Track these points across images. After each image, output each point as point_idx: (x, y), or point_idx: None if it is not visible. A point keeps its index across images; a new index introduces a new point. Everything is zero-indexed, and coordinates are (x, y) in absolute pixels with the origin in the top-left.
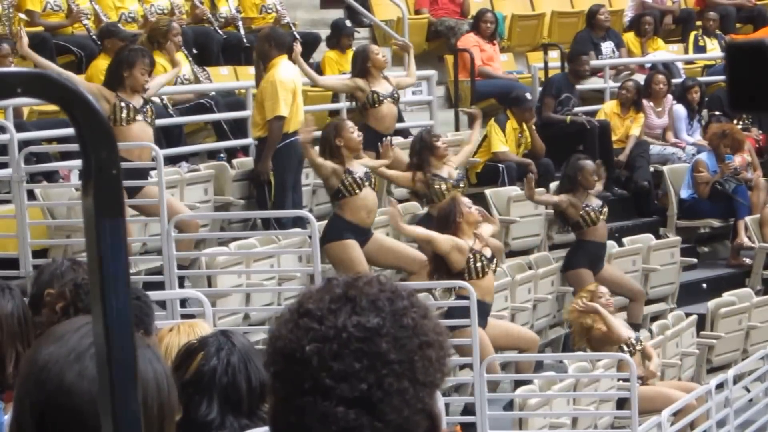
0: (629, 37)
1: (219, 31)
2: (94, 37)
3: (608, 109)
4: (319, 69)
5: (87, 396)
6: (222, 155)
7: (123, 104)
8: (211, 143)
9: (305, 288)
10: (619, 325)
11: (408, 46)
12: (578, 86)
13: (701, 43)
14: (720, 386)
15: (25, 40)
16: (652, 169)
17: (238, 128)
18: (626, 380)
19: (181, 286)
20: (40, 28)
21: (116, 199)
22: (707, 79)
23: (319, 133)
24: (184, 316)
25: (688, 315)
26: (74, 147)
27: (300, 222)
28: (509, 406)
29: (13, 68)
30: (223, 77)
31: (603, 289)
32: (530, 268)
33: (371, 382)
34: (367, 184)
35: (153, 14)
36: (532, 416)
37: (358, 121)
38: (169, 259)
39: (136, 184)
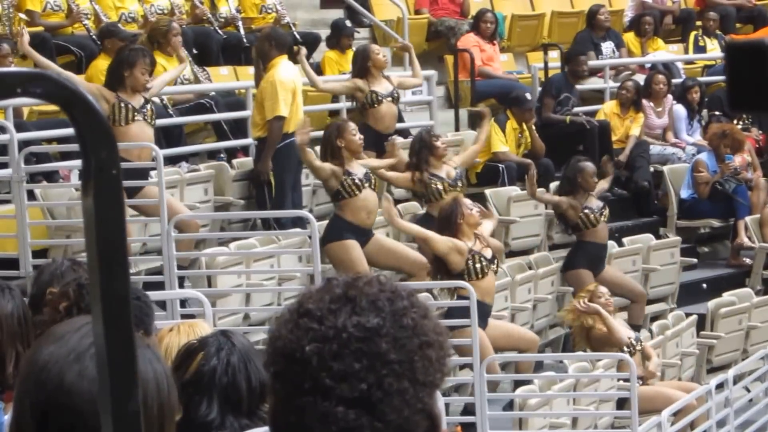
0: (629, 37)
1: (219, 31)
2: (94, 37)
3: (608, 109)
4: (319, 69)
5: (87, 396)
6: (222, 155)
7: (122, 104)
8: (211, 143)
9: (305, 288)
10: (620, 326)
11: (408, 47)
12: (578, 86)
13: (701, 43)
14: (720, 386)
15: (26, 38)
16: (652, 169)
17: (238, 128)
18: (626, 380)
19: (181, 286)
20: (40, 28)
21: (116, 199)
22: (707, 79)
23: (317, 134)
24: (184, 316)
25: (688, 315)
26: (74, 147)
27: (300, 222)
28: (509, 406)
29: (13, 68)
30: (223, 77)
31: (603, 289)
32: (530, 268)
33: (371, 382)
34: (366, 185)
35: (153, 14)
36: (532, 416)
37: (358, 120)
38: (169, 259)
39: (136, 184)
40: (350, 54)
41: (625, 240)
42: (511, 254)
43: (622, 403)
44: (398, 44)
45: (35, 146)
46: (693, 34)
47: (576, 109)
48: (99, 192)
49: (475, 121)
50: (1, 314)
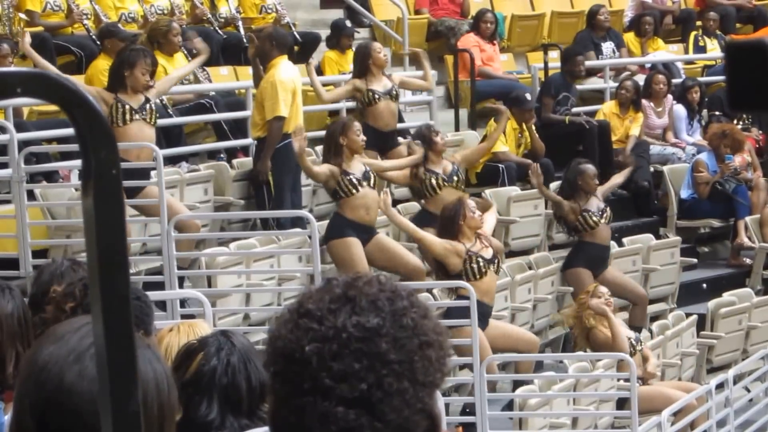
0: (629, 37)
1: (219, 31)
2: (94, 37)
3: (607, 109)
4: (319, 69)
5: (87, 396)
6: (222, 155)
7: (119, 105)
8: (211, 143)
9: (305, 288)
10: (623, 333)
11: (418, 54)
12: (579, 86)
13: (701, 43)
14: (720, 386)
15: (28, 39)
16: (652, 169)
17: (238, 128)
18: (626, 380)
19: (181, 286)
20: (40, 28)
21: (116, 199)
22: (707, 79)
23: (317, 134)
24: (184, 316)
25: (688, 315)
26: (74, 147)
27: (299, 222)
28: (509, 406)
29: (13, 68)
30: (223, 77)
31: (602, 289)
32: (530, 268)
33: (371, 382)
34: (365, 183)
35: (153, 14)
36: (532, 416)
37: (359, 120)
38: (169, 259)
39: (136, 185)
40: (350, 54)
41: (625, 240)
42: (511, 254)
43: (622, 403)
44: (411, 51)
45: (35, 146)
46: (693, 34)
47: (576, 109)
48: (99, 192)
49: (475, 122)
50: (1, 314)
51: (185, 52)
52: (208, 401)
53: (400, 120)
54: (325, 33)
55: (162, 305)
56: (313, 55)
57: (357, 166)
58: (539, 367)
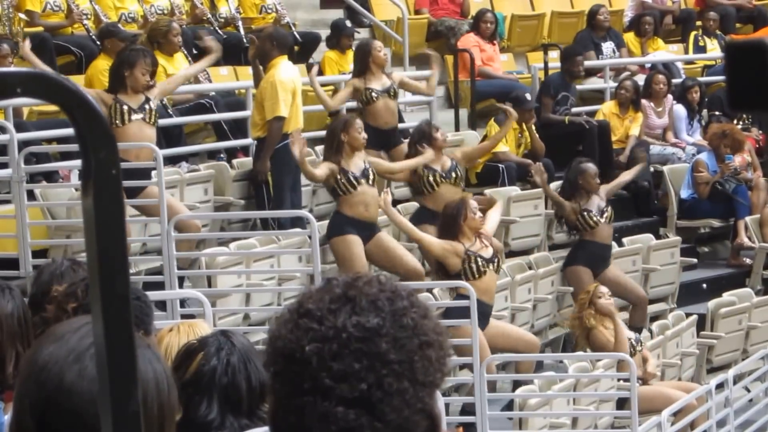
0: (629, 37)
1: (219, 31)
2: (94, 37)
3: (606, 109)
4: (319, 69)
5: (87, 396)
6: (222, 155)
7: (118, 105)
8: (211, 143)
9: (305, 288)
10: (625, 336)
11: (432, 58)
12: (579, 86)
13: (701, 43)
14: (720, 386)
15: (27, 44)
16: (652, 169)
17: (238, 128)
18: (626, 380)
19: (181, 286)
20: (39, 29)
21: (116, 199)
22: (707, 79)
23: (318, 133)
24: (184, 316)
25: (688, 315)
26: (74, 147)
27: (299, 222)
28: (509, 406)
29: (13, 68)
30: (223, 77)
31: (603, 289)
32: (530, 268)
33: (371, 382)
34: (363, 181)
35: (153, 14)
36: (532, 416)
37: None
38: (169, 259)
39: (136, 185)
40: (350, 54)
41: (625, 240)
42: (511, 254)
43: (622, 403)
44: (425, 53)
45: (35, 146)
46: (693, 34)
47: (576, 109)
48: (99, 192)
49: (475, 122)
50: (1, 314)
51: (185, 52)
52: (208, 401)
53: (401, 119)
54: (325, 33)
55: (162, 305)
56: (313, 58)
57: (356, 163)
58: (539, 367)
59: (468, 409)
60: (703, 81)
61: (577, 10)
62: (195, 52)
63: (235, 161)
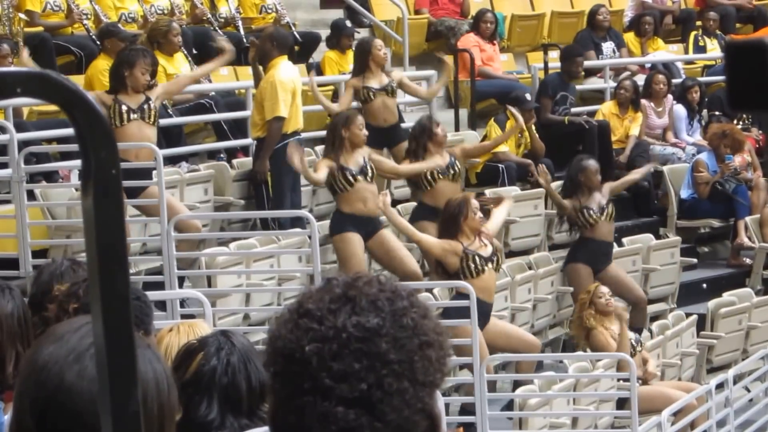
0: (629, 37)
1: (219, 31)
2: (93, 37)
3: (606, 109)
4: (319, 69)
5: (87, 396)
6: (222, 155)
7: (118, 105)
8: (211, 143)
9: (305, 288)
10: (628, 341)
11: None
12: (579, 86)
13: (701, 43)
14: (720, 386)
15: (26, 53)
16: (652, 169)
17: (238, 128)
18: (626, 380)
19: (181, 286)
20: (39, 28)
21: (116, 199)
22: (707, 79)
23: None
24: (184, 316)
25: (688, 315)
26: (74, 147)
27: (299, 222)
28: (509, 406)
29: (13, 68)
30: (223, 77)
31: (603, 289)
32: (530, 268)
33: (371, 382)
34: (360, 177)
35: (153, 14)
36: (532, 416)
37: None
38: (169, 259)
39: (135, 185)
40: (350, 54)
41: (625, 240)
42: (511, 254)
43: (622, 403)
44: (442, 58)
45: (35, 146)
46: (693, 34)
47: (576, 109)
48: (99, 192)
49: (475, 122)
50: (1, 314)
51: (185, 52)
52: (208, 401)
53: (401, 119)
54: (325, 33)
55: (162, 305)
56: (312, 58)
57: (355, 159)
58: (539, 367)
59: (468, 409)
60: (703, 81)
61: (577, 10)
62: (195, 52)
63: (235, 161)
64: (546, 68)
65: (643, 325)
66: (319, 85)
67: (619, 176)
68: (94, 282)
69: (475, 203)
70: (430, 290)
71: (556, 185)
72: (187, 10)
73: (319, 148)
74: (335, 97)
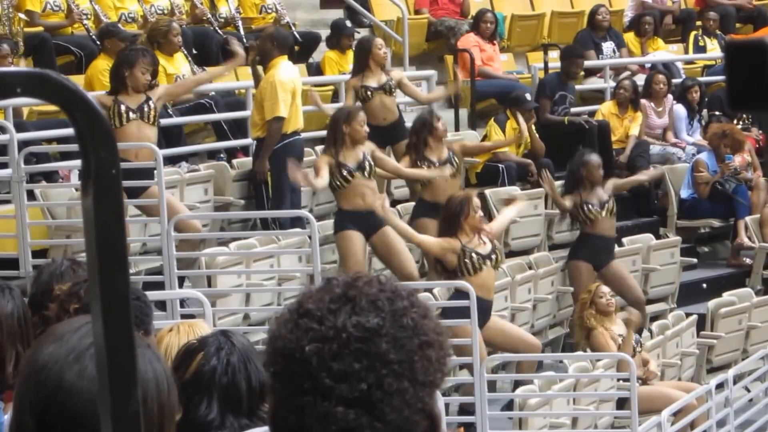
0: (629, 37)
1: (219, 31)
2: (93, 37)
3: (605, 110)
4: (319, 69)
5: (87, 396)
6: (222, 155)
7: (116, 106)
8: (211, 143)
9: (305, 288)
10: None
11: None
12: (579, 86)
13: (701, 43)
14: (720, 386)
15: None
16: (652, 169)
17: (238, 128)
18: (626, 380)
19: (181, 285)
20: (39, 28)
21: (116, 199)
22: (707, 79)
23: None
24: (184, 316)
25: (688, 315)
26: (74, 147)
27: (299, 222)
28: (509, 406)
29: (13, 68)
30: (223, 77)
31: (604, 289)
32: (530, 268)
33: (371, 382)
34: (358, 173)
35: (153, 14)
36: (532, 416)
37: None
38: (169, 259)
39: (136, 185)
40: (350, 54)
41: (625, 240)
42: (511, 254)
43: (622, 403)
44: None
45: (35, 146)
46: (693, 34)
47: (576, 109)
48: (99, 192)
49: (475, 122)
50: (1, 314)
51: (185, 52)
52: (208, 401)
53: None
54: (325, 33)
55: (162, 305)
56: (312, 58)
57: (354, 155)
58: (539, 367)
59: (468, 409)
60: (703, 81)
61: (577, 10)
62: (195, 52)
63: (235, 161)
64: (546, 68)
65: (642, 325)
66: (319, 85)
67: (619, 176)
68: (94, 282)
69: (476, 201)
70: (430, 290)
71: (556, 184)
72: (187, 10)
73: (320, 148)
74: (335, 97)
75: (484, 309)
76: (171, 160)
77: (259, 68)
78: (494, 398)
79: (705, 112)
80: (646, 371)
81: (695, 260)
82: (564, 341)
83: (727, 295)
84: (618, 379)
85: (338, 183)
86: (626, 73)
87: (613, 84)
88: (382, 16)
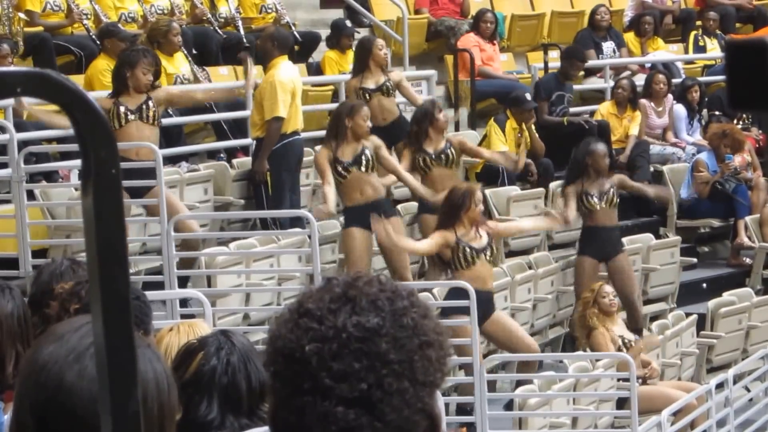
0: (629, 37)
1: (219, 31)
2: (93, 37)
3: (604, 110)
4: (319, 69)
5: (87, 396)
6: (222, 155)
7: (116, 108)
8: (210, 143)
9: (305, 288)
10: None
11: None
12: (579, 86)
13: (701, 43)
14: (720, 386)
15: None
16: (652, 169)
17: (238, 128)
18: (626, 380)
19: (185, 286)
20: (39, 28)
21: (116, 198)
22: (707, 79)
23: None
24: (184, 316)
25: (688, 315)
26: (74, 147)
27: (298, 222)
28: (509, 406)
29: (13, 68)
30: (222, 77)
31: (607, 289)
32: (530, 268)
33: (371, 382)
34: (354, 168)
35: (153, 14)
36: (532, 416)
37: None
38: (169, 259)
39: (137, 185)
40: (350, 54)
41: (625, 240)
42: (511, 254)
43: (622, 403)
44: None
45: (35, 146)
46: (693, 33)
47: (575, 109)
48: (99, 192)
49: (475, 122)
50: (1, 314)
51: (185, 52)
52: (208, 401)
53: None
54: (325, 33)
55: (162, 305)
56: (312, 58)
57: (352, 149)
58: (539, 367)
59: (468, 409)
60: (703, 81)
61: (577, 10)
62: (195, 52)
63: (234, 161)
64: (546, 68)
65: (639, 326)
66: (319, 85)
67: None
68: (94, 282)
69: (479, 195)
70: (429, 290)
71: (555, 185)
72: (187, 10)
73: (319, 148)
74: (335, 97)
75: (483, 300)
76: (171, 160)
77: (249, 60)
78: (494, 398)
79: (705, 112)
80: (650, 369)
81: (695, 260)
82: (564, 341)
83: (727, 295)
84: (618, 379)
85: (337, 180)
86: (626, 73)
87: (613, 84)
88: (382, 16)
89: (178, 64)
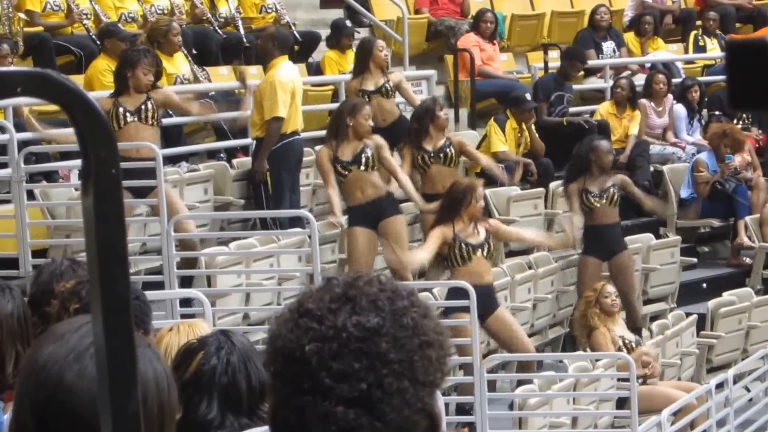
0: (629, 37)
1: (218, 30)
2: (93, 37)
3: (603, 110)
4: (318, 69)
5: (87, 396)
6: (222, 155)
7: (115, 109)
8: (210, 143)
9: (305, 287)
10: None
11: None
12: (579, 86)
13: (701, 43)
14: (720, 386)
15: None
16: (652, 169)
17: (238, 128)
18: (626, 380)
19: (188, 285)
20: (39, 28)
21: (116, 198)
22: (707, 79)
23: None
24: (184, 316)
25: (688, 315)
26: (74, 147)
27: (298, 222)
28: (509, 406)
29: (13, 68)
30: (222, 77)
31: (610, 289)
32: (530, 267)
33: (371, 381)
34: (353, 167)
35: (153, 14)
36: (532, 416)
37: None
38: (169, 259)
39: (137, 185)
40: (350, 54)
41: (625, 240)
42: (511, 254)
43: (621, 403)
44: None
45: (35, 146)
46: (693, 33)
47: (574, 109)
48: (99, 192)
49: (475, 122)
50: (1, 314)
51: (185, 51)
52: (208, 401)
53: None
54: (325, 33)
55: (162, 305)
56: (312, 58)
57: (352, 148)
58: (539, 366)
59: (468, 409)
60: (703, 81)
61: (577, 10)
62: (195, 51)
63: (234, 161)
64: (546, 68)
65: (638, 325)
66: (319, 85)
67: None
68: (94, 282)
69: (480, 191)
70: (429, 290)
71: (556, 184)
72: (187, 10)
73: (319, 148)
74: (335, 97)
75: (481, 294)
76: (171, 160)
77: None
78: (494, 398)
79: (705, 111)
80: (651, 367)
81: (695, 260)
82: (564, 341)
83: (727, 295)
84: (618, 379)
85: (336, 178)
86: (626, 73)
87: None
88: (382, 16)
89: (178, 64)
